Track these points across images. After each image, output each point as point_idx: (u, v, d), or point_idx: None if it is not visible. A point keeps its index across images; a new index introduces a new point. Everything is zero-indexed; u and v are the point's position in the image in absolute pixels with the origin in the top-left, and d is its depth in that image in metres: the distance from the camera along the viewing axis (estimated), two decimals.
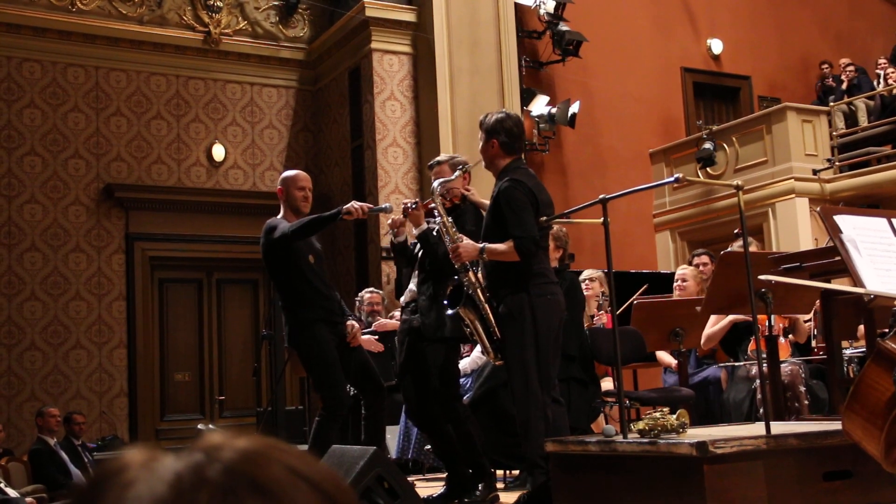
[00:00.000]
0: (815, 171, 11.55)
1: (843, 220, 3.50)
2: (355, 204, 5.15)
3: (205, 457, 0.70)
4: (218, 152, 12.31)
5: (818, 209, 3.83)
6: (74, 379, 11.14)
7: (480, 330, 4.73)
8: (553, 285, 4.69)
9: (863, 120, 12.11)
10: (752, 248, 6.76)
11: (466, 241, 4.74)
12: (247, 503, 0.68)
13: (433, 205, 4.98)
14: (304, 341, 5.24)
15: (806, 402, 5.61)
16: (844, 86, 13.13)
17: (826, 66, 14.00)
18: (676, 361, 6.44)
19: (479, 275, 4.80)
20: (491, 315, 4.70)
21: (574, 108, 11.69)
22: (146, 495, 0.68)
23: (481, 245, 4.65)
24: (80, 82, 11.63)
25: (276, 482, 0.70)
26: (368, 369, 5.43)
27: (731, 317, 5.90)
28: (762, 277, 3.82)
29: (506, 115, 4.88)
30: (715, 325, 6.09)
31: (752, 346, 5.89)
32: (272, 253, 5.30)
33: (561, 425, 4.65)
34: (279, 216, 5.40)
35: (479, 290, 4.74)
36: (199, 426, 9.21)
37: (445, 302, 4.86)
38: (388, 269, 11.22)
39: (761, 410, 5.41)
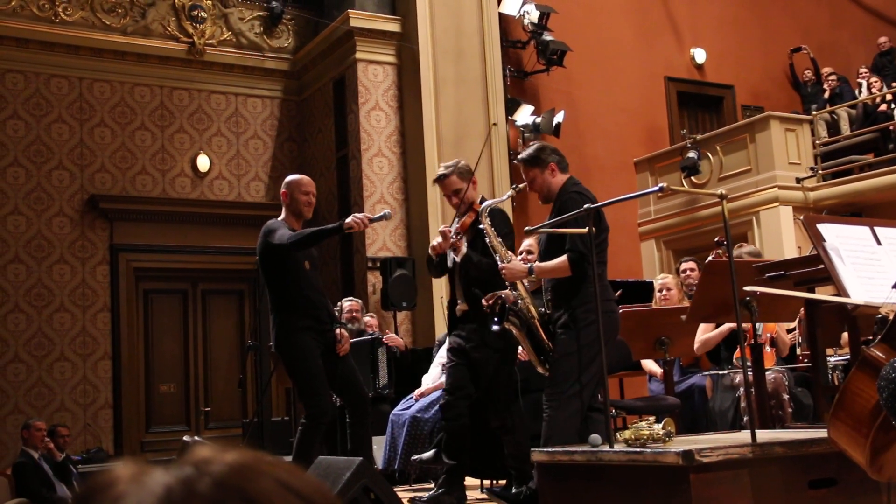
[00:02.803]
0: (798, 180, 11.61)
1: (826, 229, 3.52)
2: (357, 216, 5.17)
3: (195, 470, 0.70)
4: (203, 163, 12.28)
5: (802, 218, 3.85)
6: (59, 391, 11.07)
7: (528, 342, 4.80)
8: (612, 302, 4.73)
9: (845, 129, 12.19)
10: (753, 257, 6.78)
11: (515, 261, 4.88)
12: None
13: (482, 226, 5.02)
14: (288, 348, 5.27)
15: (790, 409, 5.63)
16: (827, 94, 13.21)
17: (808, 70, 14.14)
18: (662, 370, 6.45)
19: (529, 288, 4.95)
20: (540, 327, 4.79)
21: (558, 117, 11.72)
22: None
23: (529, 265, 4.80)
24: (63, 93, 11.59)
25: (266, 495, 0.70)
26: (352, 379, 5.45)
27: (729, 325, 5.91)
28: (748, 289, 3.83)
29: (541, 143, 5.07)
30: (709, 330, 6.09)
31: (737, 354, 5.91)
32: (268, 256, 5.29)
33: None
34: (280, 218, 5.40)
35: (530, 305, 4.85)
36: (185, 438, 9.16)
37: (496, 319, 4.92)
38: (374, 280, 11.22)
39: (745, 418, 5.43)
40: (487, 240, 4.99)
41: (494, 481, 6.35)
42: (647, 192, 5.12)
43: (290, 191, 5.41)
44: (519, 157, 5.05)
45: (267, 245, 5.25)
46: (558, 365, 4.69)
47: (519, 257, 5.33)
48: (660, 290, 6.70)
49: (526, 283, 4.94)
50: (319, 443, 5.42)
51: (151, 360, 12.00)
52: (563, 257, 4.62)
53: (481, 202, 5.31)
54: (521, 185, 5.05)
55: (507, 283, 4.90)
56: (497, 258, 4.93)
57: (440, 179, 5.41)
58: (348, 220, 5.15)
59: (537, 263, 4.78)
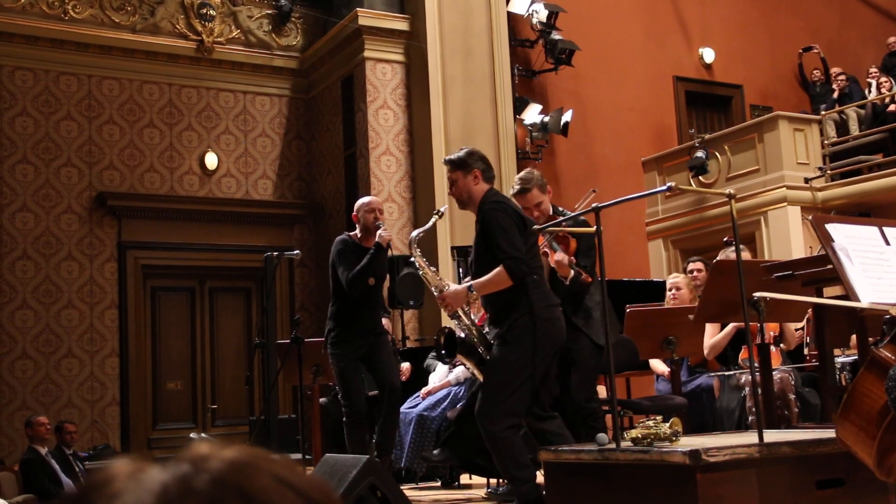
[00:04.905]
0: (806, 180, 11.58)
1: (834, 229, 3.51)
2: (383, 235, 5.93)
3: (192, 467, 0.70)
4: (211, 161, 12.29)
5: (811, 217, 3.83)
6: (66, 388, 11.10)
7: (478, 373, 4.70)
8: (556, 308, 4.63)
9: (854, 129, 12.16)
10: (745, 255, 6.77)
11: (451, 287, 4.70)
12: None
13: (413, 258, 5.05)
14: (329, 356, 6.04)
15: (796, 409, 5.61)
16: (836, 94, 13.18)
17: (817, 69, 14.09)
18: (669, 370, 6.43)
19: (471, 315, 4.81)
20: (486, 351, 4.64)
21: (567, 116, 11.71)
22: None
23: (467, 284, 4.63)
24: (72, 90, 11.61)
25: (264, 492, 0.69)
26: (382, 370, 5.98)
27: (733, 324, 5.88)
28: (758, 295, 3.82)
29: (471, 149, 4.91)
30: (716, 333, 6.07)
31: (743, 354, 5.89)
32: (334, 275, 6.05)
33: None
34: (353, 233, 6.17)
35: (473, 331, 4.69)
36: (192, 435, 9.18)
37: (443, 352, 4.76)
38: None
39: (750, 418, 5.41)
40: (421, 273, 4.90)
41: (500, 481, 6.34)
42: (655, 192, 5.11)
43: (358, 211, 6.15)
44: (446, 158, 4.94)
45: (333, 264, 6.05)
46: (491, 377, 4.54)
47: None
48: (670, 290, 6.69)
49: (466, 308, 4.73)
50: (366, 434, 6.02)
51: (159, 358, 12.02)
52: (499, 268, 4.47)
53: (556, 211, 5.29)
54: (442, 210, 5.18)
55: (448, 314, 4.69)
56: (433, 289, 4.79)
57: (521, 193, 5.29)
58: (379, 241, 5.93)
59: (475, 281, 4.57)
